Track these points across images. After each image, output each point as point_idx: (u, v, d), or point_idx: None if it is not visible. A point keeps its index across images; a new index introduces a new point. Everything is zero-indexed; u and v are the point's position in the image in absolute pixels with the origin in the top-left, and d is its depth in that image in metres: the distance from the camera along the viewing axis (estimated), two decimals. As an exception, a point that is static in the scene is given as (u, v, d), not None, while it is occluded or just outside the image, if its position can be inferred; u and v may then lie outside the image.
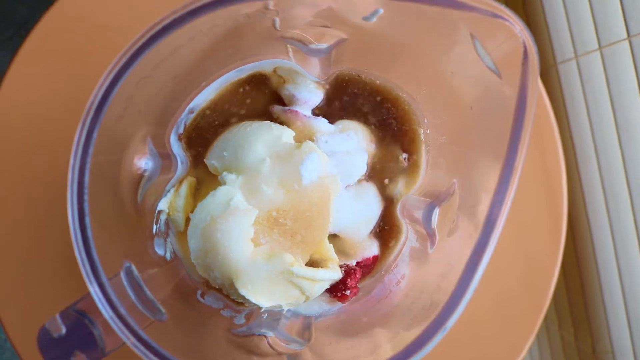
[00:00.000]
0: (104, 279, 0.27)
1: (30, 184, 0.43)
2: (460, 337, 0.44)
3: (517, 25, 0.26)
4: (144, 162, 0.33)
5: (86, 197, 0.26)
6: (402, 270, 0.38)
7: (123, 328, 0.27)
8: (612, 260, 0.54)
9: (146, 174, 0.33)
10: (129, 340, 0.27)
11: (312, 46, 0.32)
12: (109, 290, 0.27)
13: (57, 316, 0.29)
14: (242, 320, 0.36)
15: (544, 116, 0.46)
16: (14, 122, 0.44)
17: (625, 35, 0.50)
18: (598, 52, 0.53)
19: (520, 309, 0.46)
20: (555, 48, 0.57)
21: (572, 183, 0.55)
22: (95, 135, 0.26)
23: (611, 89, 0.52)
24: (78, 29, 0.44)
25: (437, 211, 0.34)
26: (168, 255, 0.37)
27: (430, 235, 0.34)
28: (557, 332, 0.64)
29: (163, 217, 0.36)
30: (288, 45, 0.34)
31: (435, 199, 0.35)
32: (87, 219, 0.26)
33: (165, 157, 0.35)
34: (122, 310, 0.27)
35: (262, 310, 0.35)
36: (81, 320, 0.29)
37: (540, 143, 0.46)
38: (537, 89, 0.27)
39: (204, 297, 0.37)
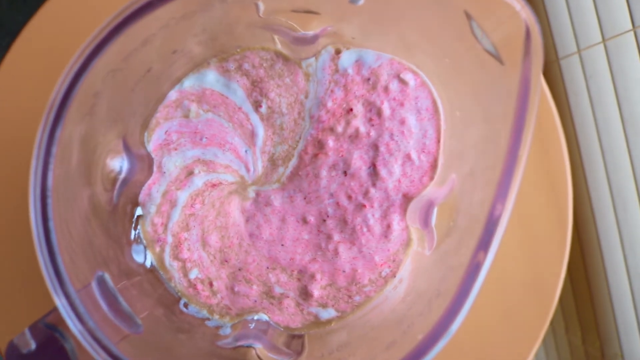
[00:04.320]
0: (71, 290, 0.25)
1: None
2: (464, 342, 0.42)
3: (517, 2, 0.24)
4: (118, 163, 0.30)
5: (49, 201, 0.24)
6: (400, 274, 0.35)
7: (93, 343, 0.25)
8: (620, 260, 0.53)
9: (121, 175, 0.31)
10: (100, 356, 0.25)
11: (298, 34, 0.30)
12: (77, 302, 0.25)
13: (26, 330, 0.27)
14: (228, 331, 0.34)
15: (546, 114, 0.45)
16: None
17: (630, 27, 0.49)
18: (602, 45, 0.52)
19: (525, 312, 0.44)
20: (557, 43, 0.56)
21: (577, 182, 0.55)
22: (58, 133, 0.24)
23: (616, 83, 0.51)
24: (66, 31, 0.42)
25: (435, 210, 0.32)
26: (148, 263, 0.35)
27: (428, 235, 0.32)
28: (564, 335, 0.64)
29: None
30: (274, 35, 0.32)
31: (433, 197, 0.32)
32: (51, 224, 0.24)
33: (141, 158, 0.32)
34: (92, 324, 0.25)
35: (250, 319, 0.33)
36: (52, 334, 0.27)
37: (543, 141, 0.45)
38: (540, 73, 0.25)
39: (187, 307, 0.35)
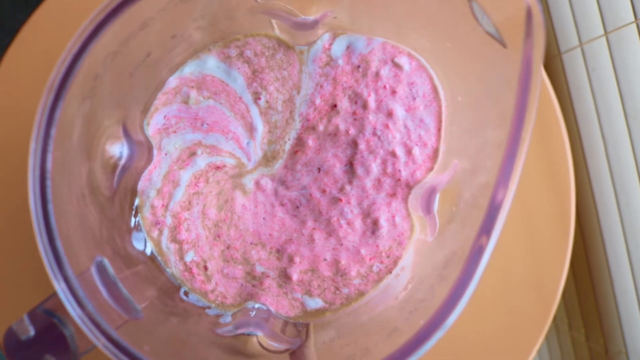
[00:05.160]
0: (71, 273, 0.24)
1: None
2: (466, 339, 0.42)
3: (519, -20, 0.23)
4: (118, 149, 0.30)
5: (48, 183, 0.24)
6: (403, 262, 0.35)
7: (93, 328, 0.25)
8: (624, 255, 0.52)
9: (121, 162, 0.31)
10: (99, 341, 0.25)
11: (298, 19, 0.30)
12: (76, 286, 0.25)
13: (25, 316, 0.27)
14: (229, 319, 0.34)
15: (549, 108, 0.44)
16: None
17: (633, 19, 0.49)
18: (604, 38, 0.52)
19: (528, 309, 0.44)
20: (559, 37, 0.56)
21: (580, 176, 0.54)
22: (57, 115, 0.24)
23: (619, 77, 0.51)
24: (64, 30, 0.42)
25: (437, 196, 0.31)
26: (148, 250, 0.34)
27: (430, 222, 0.32)
28: (567, 332, 0.64)
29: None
30: (272, 20, 0.32)
31: (435, 183, 0.32)
32: (50, 206, 0.24)
33: (140, 144, 0.32)
34: (91, 308, 0.25)
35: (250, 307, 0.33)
36: (51, 320, 0.27)
37: (545, 136, 0.44)
38: (542, 53, 0.25)
39: (188, 295, 0.35)
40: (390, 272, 0.36)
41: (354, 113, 0.35)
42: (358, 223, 0.36)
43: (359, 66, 0.36)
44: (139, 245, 0.34)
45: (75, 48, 0.24)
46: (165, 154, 0.36)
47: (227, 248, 0.36)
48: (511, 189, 0.25)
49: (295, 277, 0.36)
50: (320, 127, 0.36)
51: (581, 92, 0.54)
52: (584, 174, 0.54)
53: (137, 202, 0.34)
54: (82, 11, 0.41)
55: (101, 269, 0.27)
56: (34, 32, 0.42)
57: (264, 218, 0.37)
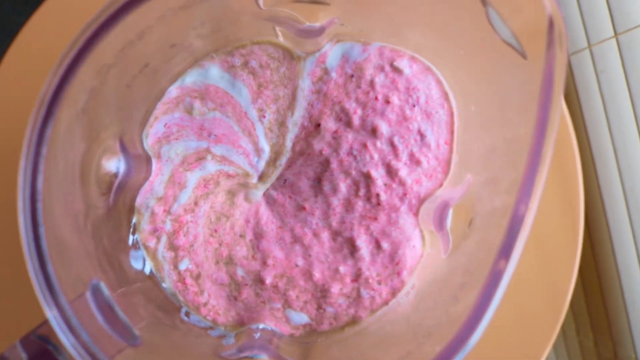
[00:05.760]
0: (63, 300, 0.23)
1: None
2: (474, 346, 0.41)
3: (540, -15, 0.22)
4: (114, 164, 0.29)
5: (39, 205, 0.23)
6: (412, 280, 0.34)
7: (87, 357, 0.23)
8: (634, 261, 0.52)
9: (118, 178, 0.29)
10: (95, 371, 0.23)
11: (304, 26, 0.29)
12: (70, 313, 0.23)
13: (17, 343, 0.25)
14: (232, 341, 0.33)
15: None
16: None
17: None
18: (614, 40, 0.52)
19: (536, 314, 0.43)
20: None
21: (589, 181, 0.54)
22: (48, 133, 0.23)
23: (629, 79, 0.51)
24: (63, 33, 0.41)
25: (450, 211, 0.30)
26: (147, 270, 0.33)
27: (443, 238, 0.30)
28: (575, 337, 0.64)
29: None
30: (276, 28, 0.30)
31: (447, 198, 0.31)
32: (41, 229, 0.23)
33: (138, 159, 0.31)
34: (86, 337, 0.23)
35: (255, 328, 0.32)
36: (45, 347, 0.26)
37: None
38: (565, 65, 0.23)
39: (189, 316, 0.33)
40: (386, 303, 0.34)
41: (335, 132, 0.34)
42: (327, 241, 0.35)
43: (352, 75, 0.34)
44: (137, 265, 0.33)
45: (67, 60, 0.23)
46: (167, 160, 0.34)
47: (220, 245, 0.35)
48: (532, 207, 0.23)
49: (268, 280, 0.35)
50: (297, 148, 0.35)
51: (590, 95, 0.53)
52: (593, 179, 0.54)
53: (134, 219, 0.33)
54: (82, 11, 0.40)
55: (97, 292, 0.26)
56: (34, 34, 0.41)
57: (248, 208, 0.37)
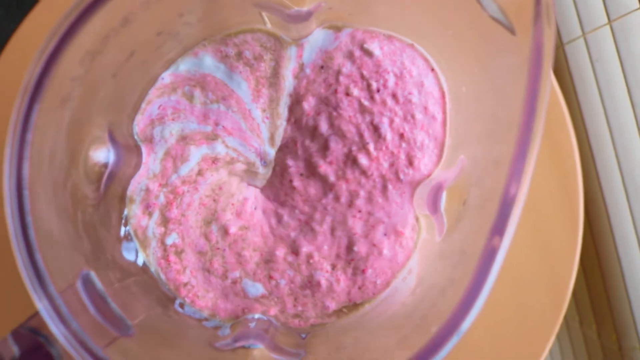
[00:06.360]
0: (53, 291, 0.23)
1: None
2: (476, 339, 0.41)
3: (526, -42, 0.22)
4: (103, 154, 0.29)
5: (26, 192, 0.22)
6: (409, 264, 0.33)
7: (78, 347, 0.23)
8: (635, 248, 0.51)
9: (108, 167, 0.29)
10: (86, 361, 0.23)
11: (291, 11, 0.28)
12: (60, 303, 0.23)
13: (8, 336, 0.25)
14: (227, 332, 0.32)
15: (553, 100, 0.43)
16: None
17: (637, 5, 0.48)
18: (608, 27, 0.52)
19: (538, 306, 0.43)
20: (561, 28, 0.56)
21: (588, 170, 0.53)
22: (33, 120, 0.22)
23: (624, 66, 0.50)
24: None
25: (444, 193, 0.30)
26: (140, 261, 0.33)
27: (438, 221, 0.30)
28: (578, 329, 0.63)
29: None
30: (263, 14, 0.30)
31: (441, 180, 0.30)
32: (29, 218, 0.22)
33: (128, 149, 0.31)
34: (77, 326, 0.23)
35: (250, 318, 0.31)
36: (36, 339, 0.25)
37: (550, 130, 0.43)
38: (553, 38, 0.23)
39: (184, 307, 0.33)
40: (382, 290, 0.34)
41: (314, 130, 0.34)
42: (326, 228, 0.35)
43: (322, 66, 0.34)
44: (129, 256, 0.32)
45: (50, 47, 0.22)
46: (160, 140, 0.34)
47: (214, 202, 0.35)
48: (524, 186, 0.23)
49: (232, 230, 0.35)
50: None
51: (585, 83, 0.53)
52: (591, 168, 0.53)
53: (126, 211, 0.33)
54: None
55: (88, 283, 0.26)
56: (27, 37, 0.41)
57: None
